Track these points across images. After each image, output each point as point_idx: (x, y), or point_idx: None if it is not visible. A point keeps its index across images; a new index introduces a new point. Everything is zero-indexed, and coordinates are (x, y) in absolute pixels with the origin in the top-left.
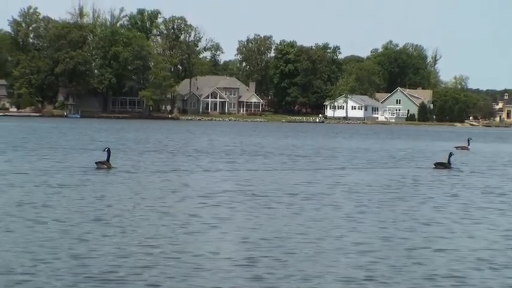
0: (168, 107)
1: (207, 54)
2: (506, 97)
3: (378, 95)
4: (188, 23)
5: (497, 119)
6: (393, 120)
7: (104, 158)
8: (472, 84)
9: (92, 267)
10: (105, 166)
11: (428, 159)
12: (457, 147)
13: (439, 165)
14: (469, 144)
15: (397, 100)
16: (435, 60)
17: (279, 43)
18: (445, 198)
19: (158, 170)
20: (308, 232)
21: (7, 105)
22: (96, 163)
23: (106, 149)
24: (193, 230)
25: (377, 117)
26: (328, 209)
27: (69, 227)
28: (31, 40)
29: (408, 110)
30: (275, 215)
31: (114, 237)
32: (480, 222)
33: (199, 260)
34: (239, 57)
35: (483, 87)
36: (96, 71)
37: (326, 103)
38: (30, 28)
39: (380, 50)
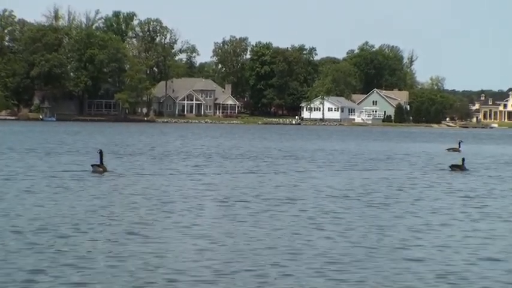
0: (144, 110)
1: (183, 57)
2: (482, 98)
3: (354, 96)
4: (164, 25)
5: (474, 119)
6: (370, 122)
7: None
8: (448, 85)
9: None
10: (101, 169)
11: (440, 163)
12: (448, 149)
13: (454, 167)
14: (460, 146)
15: (373, 101)
16: (411, 61)
17: (254, 45)
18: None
19: (157, 173)
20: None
21: None
22: (92, 166)
23: (99, 151)
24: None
25: (353, 119)
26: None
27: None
28: (6, 43)
29: (385, 111)
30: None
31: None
32: None
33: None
34: (215, 59)
35: (459, 88)
36: (71, 73)
37: (302, 105)
38: (6, 31)
39: (356, 51)
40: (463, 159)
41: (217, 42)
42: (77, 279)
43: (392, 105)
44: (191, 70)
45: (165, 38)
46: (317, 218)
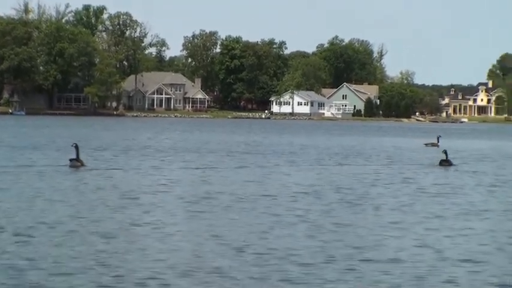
0: (114, 104)
1: (153, 50)
2: (452, 92)
3: (324, 90)
4: (134, 18)
5: (444, 114)
6: (339, 116)
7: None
8: (418, 80)
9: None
10: (79, 164)
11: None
12: (426, 144)
13: (444, 162)
14: (438, 141)
15: (343, 95)
16: (381, 55)
17: (224, 39)
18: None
19: (133, 169)
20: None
21: None
22: (71, 160)
23: (74, 145)
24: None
25: (323, 113)
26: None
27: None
28: None
29: (354, 106)
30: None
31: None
32: None
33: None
34: (185, 53)
35: (429, 83)
36: (41, 67)
37: (272, 99)
38: None
39: (326, 45)
40: (446, 152)
41: (187, 36)
42: (33, 278)
43: (362, 99)
44: (161, 64)
45: (135, 31)
46: (281, 216)
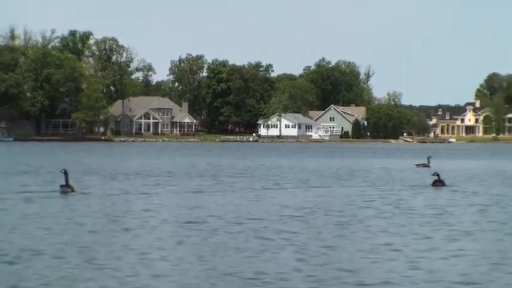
0: (101, 129)
1: (139, 75)
2: (440, 113)
3: (311, 112)
4: (120, 43)
5: (432, 134)
6: (327, 138)
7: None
8: (405, 101)
9: None
10: (69, 190)
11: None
12: (417, 165)
13: (437, 183)
14: (429, 162)
15: (330, 117)
16: (368, 76)
17: (211, 62)
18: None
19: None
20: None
21: None
22: (61, 186)
23: (63, 171)
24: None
25: (311, 135)
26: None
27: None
28: None
29: (342, 127)
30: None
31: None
32: None
33: None
34: (171, 77)
35: (416, 103)
36: (28, 93)
37: (259, 122)
38: None
39: (312, 67)
40: (438, 175)
41: (174, 61)
42: None
43: (349, 121)
44: (148, 88)
45: (122, 56)
46: (269, 238)
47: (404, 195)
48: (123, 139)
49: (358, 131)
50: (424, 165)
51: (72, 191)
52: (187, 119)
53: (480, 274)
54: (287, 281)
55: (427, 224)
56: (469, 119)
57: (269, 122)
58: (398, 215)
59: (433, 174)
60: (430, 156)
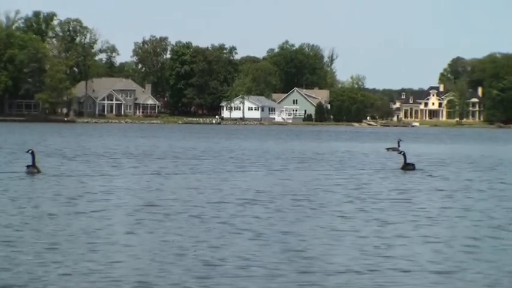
0: (64, 110)
1: (103, 56)
2: (403, 96)
3: (274, 95)
4: (84, 25)
5: (395, 118)
6: (290, 121)
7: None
8: (369, 84)
9: None
10: (35, 170)
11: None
12: (388, 149)
13: (407, 166)
14: (399, 146)
15: (294, 100)
16: (332, 60)
17: (174, 44)
18: None
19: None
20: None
21: None
22: (28, 167)
23: (30, 151)
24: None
25: (274, 118)
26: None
27: None
28: None
29: (305, 110)
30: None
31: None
32: None
33: None
34: (135, 58)
35: (380, 87)
36: None
37: (223, 104)
38: None
39: (276, 50)
40: (404, 154)
41: (137, 42)
42: None
43: (313, 104)
44: (111, 70)
45: (85, 37)
46: (226, 223)
47: (372, 179)
48: (86, 120)
49: (321, 114)
50: (394, 149)
51: (38, 172)
52: (151, 101)
53: (444, 261)
54: (243, 268)
55: (392, 208)
56: (433, 103)
57: (232, 105)
58: (364, 200)
59: (400, 153)
60: (400, 140)
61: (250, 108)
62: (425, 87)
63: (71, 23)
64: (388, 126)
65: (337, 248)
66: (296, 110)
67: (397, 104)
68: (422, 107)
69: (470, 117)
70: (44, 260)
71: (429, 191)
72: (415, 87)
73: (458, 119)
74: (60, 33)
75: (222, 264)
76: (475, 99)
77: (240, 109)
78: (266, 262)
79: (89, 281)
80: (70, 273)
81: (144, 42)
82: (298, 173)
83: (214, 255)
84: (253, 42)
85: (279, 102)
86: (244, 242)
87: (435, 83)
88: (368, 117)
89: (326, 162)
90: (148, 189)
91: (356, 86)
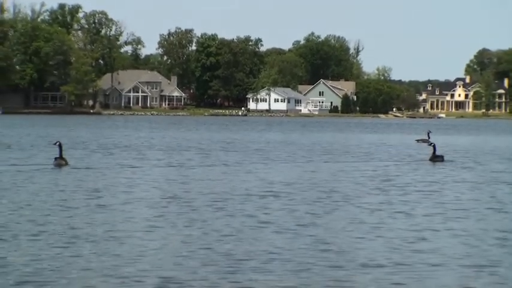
0: (90, 102)
1: (128, 49)
2: (429, 88)
3: (300, 87)
4: (109, 17)
5: (421, 110)
6: (316, 113)
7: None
8: (395, 76)
9: None
10: (63, 162)
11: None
12: (418, 140)
13: (436, 158)
14: (429, 137)
15: (320, 92)
16: (357, 51)
17: (200, 36)
18: None
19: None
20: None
21: None
22: (55, 159)
23: (57, 143)
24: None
25: (300, 110)
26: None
27: None
28: None
29: (331, 102)
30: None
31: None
32: None
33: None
34: (160, 51)
35: (406, 78)
36: (17, 66)
37: (248, 96)
38: None
39: (302, 42)
40: (434, 146)
41: (163, 34)
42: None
43: (339, 95)
44: (137, 62)
45: (111, 30)
46: (252, 216)
47: (400, 171)
48: (111, 112)
49: (347, 106)
50: (424, 141)
51: (66, 164)
52: (176, 93)
53: (474, 255)
54: (268, 263)
55: (421, 200)
56: (459, 94)
57: (258, 96)
58: (391, 192)
59: (430, 144)
60: (430, 131)
61: (276, 100)
62: (452, 79)
63: (96, 15)
64: (414, 117)
65: (365, 241)
66: (322, 102)
67: (423, 96)
68: (448, 98)
69: (497, 108)
70: (69, 253)
71: (458, 182)
72: (441, 79)
73: (484, 111)
74: (86, 26)
75: (249, 258)
76: (501, 91)
77: (266, 101)
78: (293, 256)
79: (112, 275)
80: (92, 268)
81: (169, 34)
82: (325, 165)
83: (239, 249)
84: (279, 34)
85: (305, 94)
86: (269, 235)
87: (461, 75)
88: (394, 109)
89: (353, 153)
90: (173, 182)
91: (382, 78)
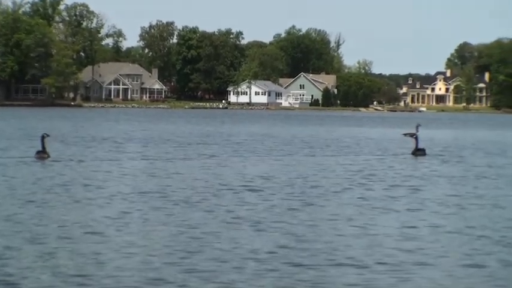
0: (71, 94)
1: (110, 41)
2: (410, 82)
3: (281, 80)
4: (90, 9)
5: (402, 103)
6: (297, 106)
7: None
8: (375, 69)
9: None
10: (46, 156)
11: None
12: (405, 134)
13: (419, 151)
14: (418, 131)
15: (300, 85)
16: (338, 45)
17: (181, 29)
18: None
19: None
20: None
21: None
22: (37, 152)
23: (45, 135)
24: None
25: (281, 103)
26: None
27: None
28: None
29: (312, 95)
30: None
31: None
32: None
33: None
34: (141, 43)
35: (386, 72)
36: None
37: (229, 89)
38: None
39: (283, 35)
40: (417, 138)
41: (144, 27)
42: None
43: (319, 89)
44: (118, 55)
45: (92, 22)
46: (234, 212)
47: (381, 164)
48: (92, 105)
49: (328, 99)
50: (412, 135)
51: (48, 157)
52: (157, 86)
53: (459, 252)
54: (245, 261)
55: (402, 195)
56: (440, 88)
57: (239, 89)
58: (371, 186)
59: (412, 136)
60: (419, 124)
61: (257, 93)
62: (432, 73)
63: (78, 8)
64: (395, 111)
65: (344, 239)
66: (303, 95)
67: (404, 89)
68: (429, 92)
69: (477, 102)
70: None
71: (439, 176)
72: (422, 73)
73: (465, 104)
74: (67, 18)
75: (225, 258)
76: (481, 85)
77: (246, 94)
78: (271, 255)
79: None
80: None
81: (150, 27)
82: (306, 159)
83: (214, 247)
84: (259, 27)
85: (285, 87)
86: (247, 232)
87: (442, 68)
88: (375, 103)
89: (334, 147)
90: (149, 175)
91: (363, 71)
